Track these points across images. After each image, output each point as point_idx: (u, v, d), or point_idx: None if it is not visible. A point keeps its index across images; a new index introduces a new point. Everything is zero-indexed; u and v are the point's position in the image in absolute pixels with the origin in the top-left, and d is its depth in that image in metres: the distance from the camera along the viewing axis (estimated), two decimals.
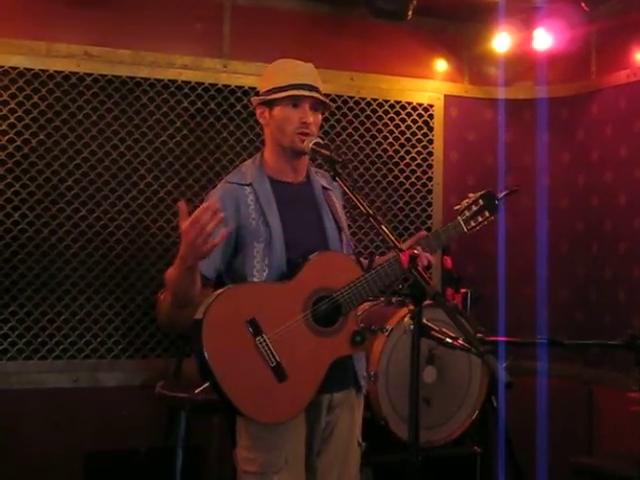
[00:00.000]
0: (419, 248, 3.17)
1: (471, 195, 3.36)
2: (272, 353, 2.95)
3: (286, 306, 3.02)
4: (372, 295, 3.18)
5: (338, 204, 3.33)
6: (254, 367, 2.94)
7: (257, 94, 3.28)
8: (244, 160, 3.37)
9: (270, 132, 3.21)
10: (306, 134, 3.11)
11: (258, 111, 3.24)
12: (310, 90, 3.14)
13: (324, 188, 3.31)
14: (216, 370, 2.88)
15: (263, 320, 2.96)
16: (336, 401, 3.17)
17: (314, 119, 3.15)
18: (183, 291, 2.98)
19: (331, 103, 3.27)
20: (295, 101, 3.13)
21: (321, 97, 3.17)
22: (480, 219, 3.33)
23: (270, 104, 3.17)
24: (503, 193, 3.40)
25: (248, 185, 3.15)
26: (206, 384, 2.97)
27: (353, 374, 3.21)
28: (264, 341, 2.95)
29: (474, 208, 3.32)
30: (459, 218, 3.31)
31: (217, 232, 2.76)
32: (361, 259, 3.36)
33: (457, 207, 3.35)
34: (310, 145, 3.08)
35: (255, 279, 3.07)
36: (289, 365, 2.97)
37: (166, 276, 3.02)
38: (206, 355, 2.87)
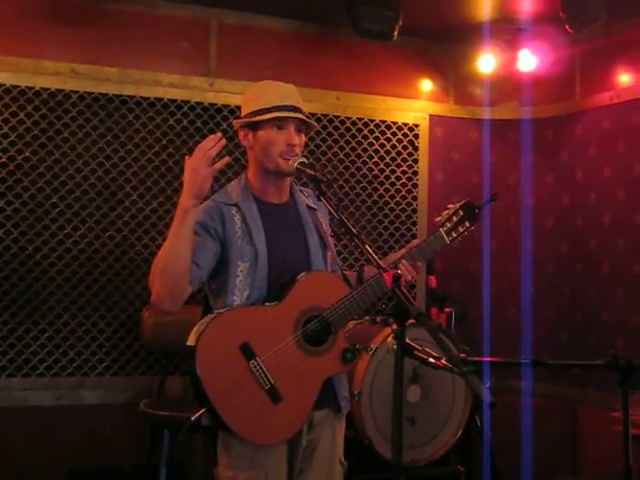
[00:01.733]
0: (404, 262, 3.21)
1: (451, 206, 3.40)
2: (266, 376, 2.96)
3: (277, 328, 3.03)
4: (360, 312, 3.20)
5: (324, 223, 3.33)
6: (249, 391, 2.95)
7: (238, 117, 3.28)
8: (229, 179, 3.37)
9: (254, 155, 3.19)
10: (291, 156, 3.11)
11: (241, 134, 3.21)
12: (294, 111, 3.13)
13: (309, 207, 3.31)
14: (212, 395, 2.88)
15: (255, 343, 2.97)
16: (317, 419, 3.16)
17: (299, 140, 3.15)
18: (177, 251, 2.93)
19: (315, 123, 3.27)
20: (280, 123, 3.11)
21: (305, 118, 3.17)
22: (461, 229, 3.37)
23: (254, 126, 3.16)
24: (482, 202, 3.43)
25: (234, 205, 3.15)
26: (202, 410, 2.96)
27: (333, 394, 3.21)
28: (258, 364, 2.96)
29: (455, 219, 3.36)
30: (441, 230, 3.34)
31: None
32: (349, 272, 3.38)
33: (438, 219, 3.39)
34: (295, 165, 3.08)
35: (235, 298, 3.06)
36: (283, 386, 2.98)
37: (158, 253, 3.02)
38: (201, 381, 2.88)
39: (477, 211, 3.39)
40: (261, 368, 2.96)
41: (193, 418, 2.98)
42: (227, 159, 2.96)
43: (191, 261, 2.97)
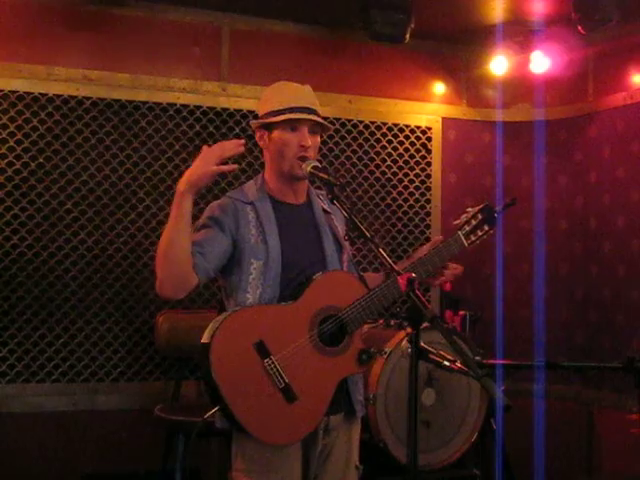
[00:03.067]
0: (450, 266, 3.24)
1: (470, 209, 3.36)
2: (280, 374, 2.94)
3: (292, 327, 3.01)
4: (377, 314, 3.17)
5: (340, 227, 3.32)
6: (263, 389, 2.93)
7: (256, 117, 3.29)
8: (242, 183, 3.37)
9: (269, 155, 3.20)
10: (305, 158, 3.11)
11: (257, 134, 3.22)
12: (308, 113, 3.13)
13: (325, 212, 3.31)
14: (226, 394, 2.87)
15: (270, 342, 2.96)
16: (333, 424, 3.15)
17: (313, 142, 3.14)
18: (175, 238, 2.92)
19: (330, 125, 3.28)
20: (293, 124, 3.12)
21: (319, 119, 3.17)
22: (480, 233, 3.32)
23: (269, 127, 3.17)
24: (501, 206, 3.40)
25: (249, 204, 3.15)
26: (215, 408, 2.96)
27: (348, 399, 3.19)
28: (272, 363, 2.94)
29: (473, 222, 3.32)
30: (459, 232, 3.30)
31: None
32: (375, 274, 3.37)
33: (456, 222, 3.35)
34: (308, 169, 3.08)
35: (249, 296, 3.06)
36: (298, 386, 2.96)
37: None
38: (215, 379, 2.87)
39: (496, 215, 3.36)
40: (275, 367, 2.94)
41: (206, 416, 2.97)
42: (235, 167, 2.99)
43: (194, 250, 2.97)
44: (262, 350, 2.94)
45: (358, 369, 3.13)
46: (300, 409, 2.97)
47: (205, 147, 2.94)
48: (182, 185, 2.91)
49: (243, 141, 2.95)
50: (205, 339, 2.92)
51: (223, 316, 2.98)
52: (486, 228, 3.34)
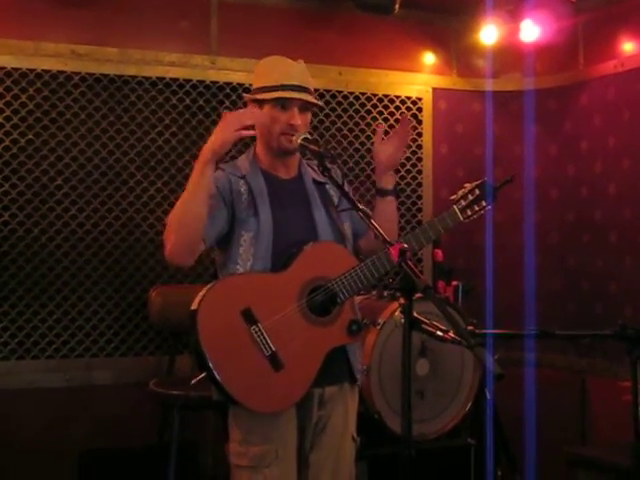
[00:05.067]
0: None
1: (467, 185, 3.36)
2: (267, 342, 2.96)
3: (281, 295, 3.03)
4: (368, 284, 3.17)
5: (336, 197, 3.33)
6: (250, 357, 2.94)
7: (246, 90, 3.29)
8: (233, 157, 3.37)
9: (259, 130, 3.21)
10: (293, 135, 3.12)
11: (249, 108, 3.25)
12: (299, 91, 3.13)
13: (318, 182, 3.31)
14: (212, 360, 2.89)
15: (258, 309, 2.97)
16: (328, 395, 3.17)
17: (303, 120, 3.16)
18: (195, 203, 2.96)
19: (321, 103, 3.28)
20: (283, 102, 3.13)
21: (310, 99, 3.17)
22: (476, 208, 3.31)
23: (260, 102, 3.18)
24: (500, 183, 3.40)
25: (242, 177, 3.17)
26: (202, 374, 2.98)
27: (348, 367, 3.20)
28: (259, 330, 2.96)
29: (470, 197, 3.31)
30: (455, 207, 3.29)
31: None
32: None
33: (453, 197, 3.35)
34: (299, 140, 3.09)
35: (239, 267, 3.08)
36: (285, 354, 2.98)
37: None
38: (202, 345, 2.89)
39: (494, 191, 3.35)
40: (262, 334, 2.96)
41: (193, 382, 3.00)
42: (253, 132, 3.01)
43: (207, 216, 3.01)
44: (249, 317, 2.96)
45: (348, 339, 3.14)
46: (287, 377, 2.98)
47: (226, 113, 2.98)
48: (207, 153, 2.95)
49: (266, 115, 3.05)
50: (194, 305, 2.95)
51: (212, 283, 3.01)
52: (483, 204, 3.33)
